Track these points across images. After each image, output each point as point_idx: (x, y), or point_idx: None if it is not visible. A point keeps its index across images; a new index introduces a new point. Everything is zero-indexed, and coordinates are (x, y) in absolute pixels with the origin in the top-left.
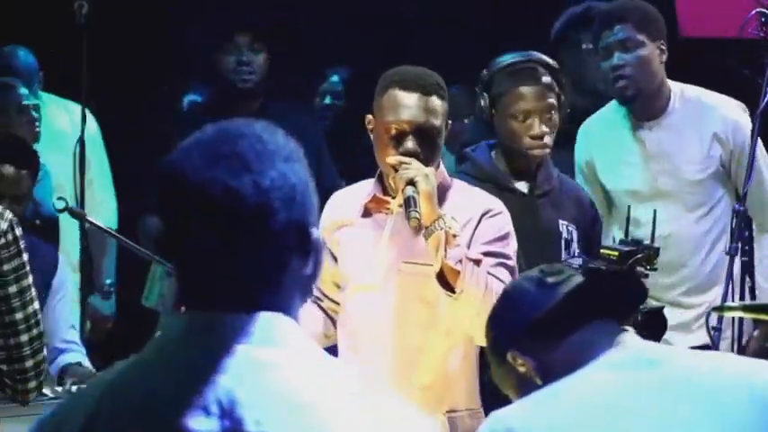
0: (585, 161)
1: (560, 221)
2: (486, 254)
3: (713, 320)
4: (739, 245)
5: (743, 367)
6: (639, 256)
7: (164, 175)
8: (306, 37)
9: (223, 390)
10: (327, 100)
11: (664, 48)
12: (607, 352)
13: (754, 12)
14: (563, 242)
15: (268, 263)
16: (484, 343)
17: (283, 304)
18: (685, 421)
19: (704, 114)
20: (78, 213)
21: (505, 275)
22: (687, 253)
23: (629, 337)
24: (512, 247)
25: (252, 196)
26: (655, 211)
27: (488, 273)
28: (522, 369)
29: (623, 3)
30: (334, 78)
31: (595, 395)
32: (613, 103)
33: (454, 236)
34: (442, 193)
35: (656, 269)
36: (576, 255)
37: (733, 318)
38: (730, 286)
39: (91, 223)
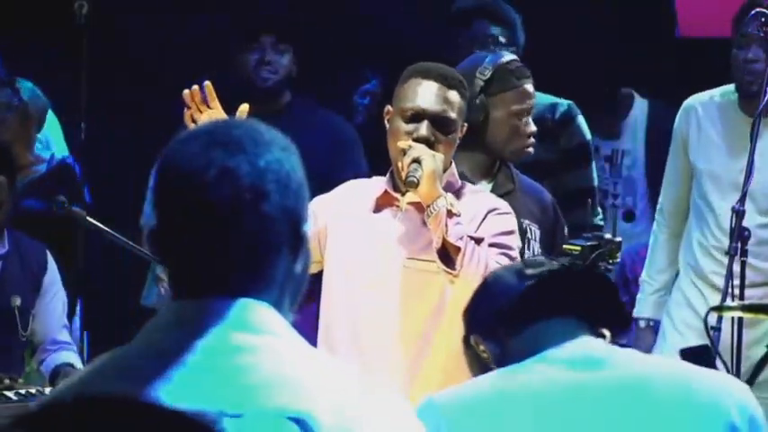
0: (682, 134)
1: (521, 220)
2: (491, 245)
3: (713, 320)
4: (739, 245)
5: (687, 372)
6: (602, 250)
7: (159, 168)
8: (312, 36)
9: (200, 373)
10: (367, 100)
11: None
12: (556, 347)
13: (754, 12)
14: (525, 241)
15: (260, 248)
16: None
17: (272, 300)
18: (608, 423)
19: None
20: (78, 214)
21: (507, 263)
22: None
23: (587, 338)
24: (516, 243)
25: (247, 175)
26: (617, 205)
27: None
28: (483, 355)
29: None
30: (375, 81)
31: (523, 383)
32: (727, 88)
33: (457, 214)
34: (450, 192)
35: (616, 263)
36: (539, 254)
37: (733, 318)
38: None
39: (91, 223)
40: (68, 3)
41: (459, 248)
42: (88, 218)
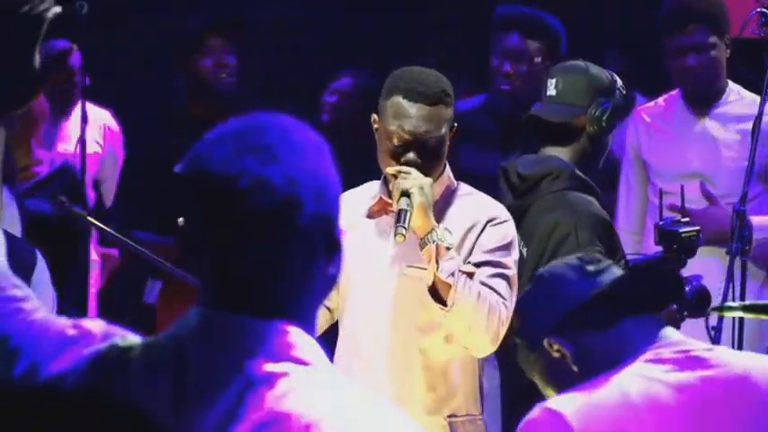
0: (632, 144)
1: None
2: (487, 263)
3: (713, 320)
4: (739, 245)
5: None
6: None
7: (188, 169)
8: (305, 34)
9: (224, 406)
10: (335, 98)
11: (729, 42)
12: (652, 347)
13: (754, 12)
14: None
15: (294, 257)
16: (481, 355)
17: (303, 308)
18: (743, 424)
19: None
20: (78, 213)
21: (503, 286)
22: None
23: (672, 332)
24: (513, 256)
25: (281, 186)
26: (682, 186)
27: (484, 283)
28: (556, 355)
29: (695, 2)
30: (346, 80)
31: (641, 390)
32: (671, 93)
33: (447, 248)
34: (446, 196)
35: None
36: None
37: (733, 318)
38: (730, 286)
39: (91, 223)
40: (68, 2)
41: (450, 285)
42: (89, 218)
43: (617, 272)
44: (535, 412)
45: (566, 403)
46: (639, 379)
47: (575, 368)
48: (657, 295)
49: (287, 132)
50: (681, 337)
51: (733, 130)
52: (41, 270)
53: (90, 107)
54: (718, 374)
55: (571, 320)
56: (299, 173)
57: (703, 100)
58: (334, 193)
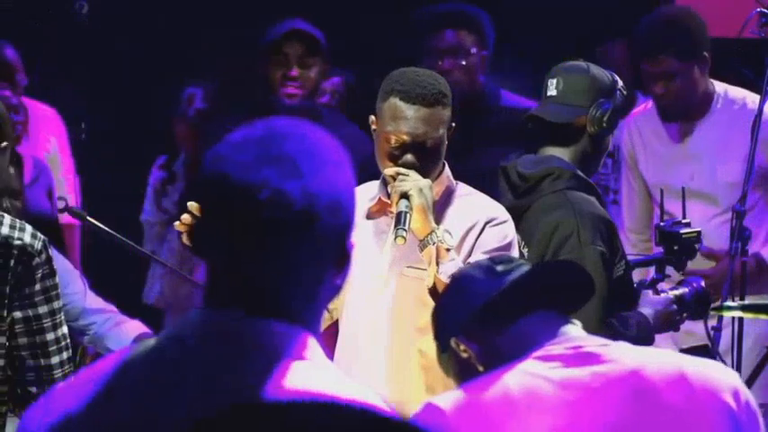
0: (629, 151)
1: None
2: None
3: (713, 320)
4: (739, 245)
5: (680, 362)
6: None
7: (208, 171)
8: None
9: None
10: (326, 98)
11: (707, 57)
12: (547, 343)
13: (754, 12)
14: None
15: (305, 266)
16: None
17: (308, 312)
18: (633, 420)
19: (749, 118)
20: (78, 213)
21: None
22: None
23: (573, 329)
24: (514, 255)
25: (299, 200)
26: (683, 189)
27: None
28: (464, 355)
29: (663, 30)
30: (336, 79)
31: (523, 385)
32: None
33: (447, 250)
34: (446, 197)
35: None
36: None
37: (733, 318)
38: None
39: (91, 223)
40: (68, 2)
41: None
42: (89, 217)
43: (525, 271)
44: (420, 407)
45: (448, 399)
46: (523, 375)
47: (480, 368)
48: (563, 293)
49: (309, 143)
50: (579, 334)
51: (724, 140)
52: (56, 257)
53: (36, 105)
54: (608, 370)
55: (475, 320)
56: (318, 187)
57: (684, 116)
58: (349, 207)
